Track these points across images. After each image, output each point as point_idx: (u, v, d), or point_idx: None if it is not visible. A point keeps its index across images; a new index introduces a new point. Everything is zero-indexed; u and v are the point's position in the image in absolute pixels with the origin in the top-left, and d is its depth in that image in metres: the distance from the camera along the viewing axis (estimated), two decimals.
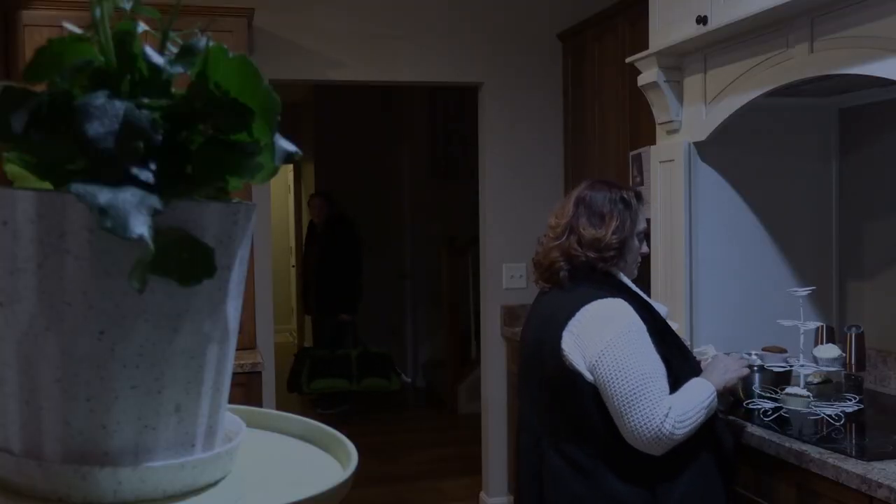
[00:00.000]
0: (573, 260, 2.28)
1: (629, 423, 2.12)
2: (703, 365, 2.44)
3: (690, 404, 2.16)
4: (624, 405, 2.12)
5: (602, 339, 2.16)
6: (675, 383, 2.20)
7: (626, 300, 2.23)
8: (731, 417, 2.53)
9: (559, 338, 2.23)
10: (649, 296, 2.44)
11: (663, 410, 2.11)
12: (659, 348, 2.21)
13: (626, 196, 2.33)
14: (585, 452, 2.21)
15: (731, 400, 2.64)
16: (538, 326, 2.35)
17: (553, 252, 2.32)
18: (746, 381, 2.69)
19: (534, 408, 2.36)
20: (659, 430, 2.10)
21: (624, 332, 2.17)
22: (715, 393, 2.23)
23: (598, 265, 2.28)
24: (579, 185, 2.42)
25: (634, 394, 2.11)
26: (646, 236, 2.41)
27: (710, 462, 2.24)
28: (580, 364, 2.19)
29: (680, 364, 2.26)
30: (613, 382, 2.13)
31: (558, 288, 2.32)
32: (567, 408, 2.24)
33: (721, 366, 2.34)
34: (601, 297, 2.23)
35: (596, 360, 2.16)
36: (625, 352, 2.14)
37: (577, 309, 2.23)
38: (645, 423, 2.10)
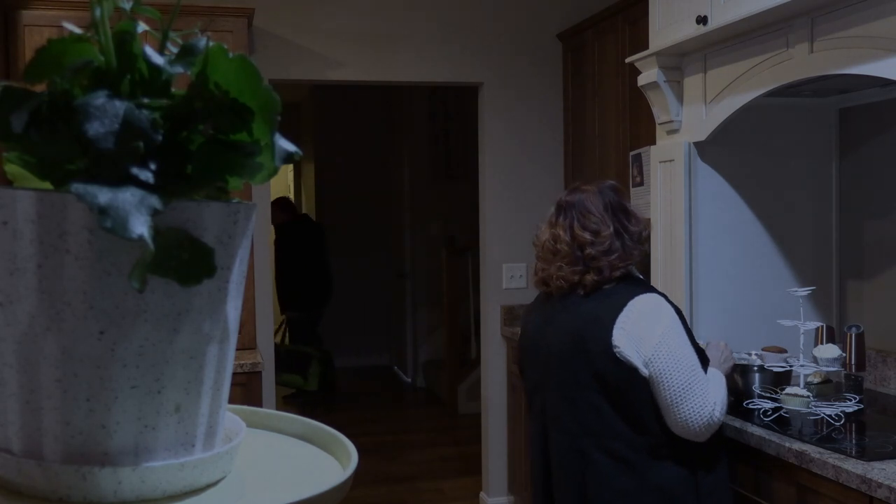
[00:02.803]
0: (634, 259, 2.38)
1: (682, 412, 2.22)
2: None
3: (722, 391, 2.31)
4: (679, 395, 2.22)
5: (655, 334, 2.25)
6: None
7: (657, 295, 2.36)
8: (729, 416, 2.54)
9: (610, 335, 2.27)
10: None
11: (712, 399, 2.24)
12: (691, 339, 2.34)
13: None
14: (633, 446, 2.27)
15: (732, 400, 2.63)
16: (574, 324, 2.34)
17: (626, 258, 2.34)
18: (746, 381, 2.70)
19: (572, 408, 2.35)
20: (711, 416, 2.23)
21: (672, 325, 2.28)
22: (725, 380, 2.39)
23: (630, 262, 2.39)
24: (590, 192, 2.40)
25: (689, 384, 2.23)
26: None
27: (724, 452, 2.39)
28: (636, 359, 2.25)
29: (700, 354, 2.36)
30: (669, 374, 2.23)
31: (594, 291, 2.34)
32: (619, 403, 2.28)
33: (718, 355, 2.48)
34: (639, 293, 2.32)
35: (651, 355, 2.24)
36: (676, 344, 2.26)
37: (623, 305, 2.29)
38: (698, 412, 2.22)
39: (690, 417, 2.22)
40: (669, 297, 2.40)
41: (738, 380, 2.68)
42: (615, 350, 2.26)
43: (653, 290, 2.38)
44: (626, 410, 2.28)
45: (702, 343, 2.60)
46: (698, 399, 2.22)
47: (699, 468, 2.29)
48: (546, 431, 2.46)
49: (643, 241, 2.40)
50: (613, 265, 2.32)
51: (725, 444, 2.40)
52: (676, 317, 2.30)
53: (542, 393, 2.47)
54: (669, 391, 2.22)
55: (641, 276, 2.44)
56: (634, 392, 2.26)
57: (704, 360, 2.35)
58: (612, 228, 2.34)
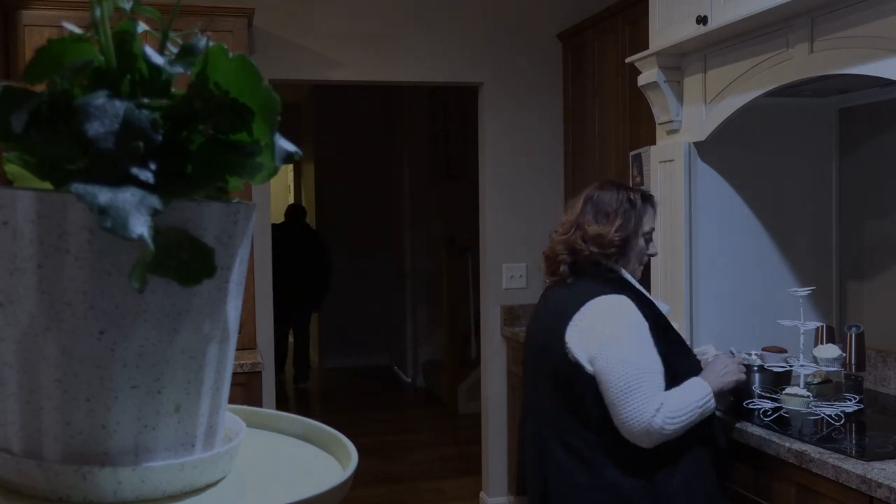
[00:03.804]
0: (577, 254, 2.36)
1: (622, 414, 2.19)
2: (703, 364, 2.44)
3: (684, 402, 2.22)
4: (618, 397, 2.19)
5: (604, 333, 2.23)
6: (672, 380, 2.26)
7: (629, 297, 2.30)
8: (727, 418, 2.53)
9: (564, 330, 2.30)
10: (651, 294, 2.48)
11: (654, 405, 2.17)
12: (659, 345, 2.27)
13: (632, 197, 2.41)
14: (587, 443, 2.27)
15: (732, 400, 2.63)
16: (546, 319, 2.42)
17: (558, 246, 2.41)
18: (747, 381, 2.69)
19: (540, 398, 2.42)
20: (649, 423, 2.16)
21: (626, 328, 2.24)
22: (711, 393, 2.28)
23: (602, 261, 2.35)
24: (592, 185, 2.50)
25: (629, 386, 2.18)
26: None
27: (705, 457, 2.30)
28: (582, 356, 2.26)
29: (679, 361, 2.31)
30: (610, 374, 2.20)
31: (563, 281, 2.40)
32: (570, 399, 2.30)
33: (720, 367, 2.39)
34: (606, 293, 2.30)
35: (596, 352, 2.23)
36: (624, 346, 2.21)
37: (583, 303, 2.30)
38: (636, 416, 2.17)
39: (629, 421, 2.18)
40: (654, 302, 2.36)
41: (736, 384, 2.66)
42: (566, 347, 2.29)
43: (623, 291, 2.31)
44: (578, 408, 2.28)
45: (706, 356, 2.57)
46: (639, 403, 2.16)
47: (657, 471, 2.24)
48: (523, 421, 2.53)
49: (603, 245, 2.33)
50: (558, 253, 2.39)
51: (706, 448, 2.30)
52: (638, 321, 2.25)
53: (525, 383, 2.54)
54: (610, 391, 2.20)
55: (628, 278, 2.38)
56: (581, 389, 2.26)
57: (676, 367, 2.27)
58: (574, 218, 2.40)
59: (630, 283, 2.37)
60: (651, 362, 2.22)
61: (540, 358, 2.43)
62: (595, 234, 2.34)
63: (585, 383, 2.25)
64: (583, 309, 2.29)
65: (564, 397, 2.32)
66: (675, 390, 2.24)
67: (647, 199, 2.45)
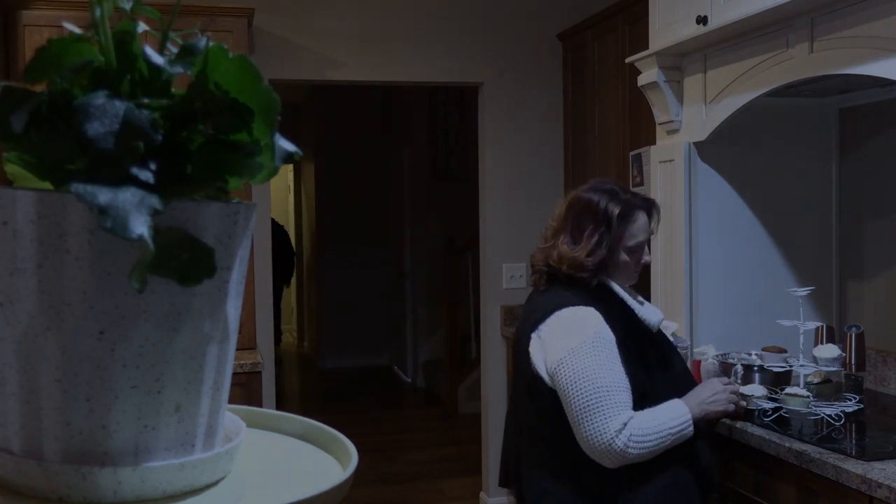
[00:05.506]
0: (552, 267, 2.29)
1: (582, 433, 2.10)
2: (702, 367, 2.42)
3: (654, 425, 2.11)
4: (578, 415, 2.10)
5: (564, 347, 2.14)
6: (641, 398, 2.15)
7: (600, 309, 2.19)
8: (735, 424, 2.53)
9: (528, 340, 2.25)
10: (647, 300, 2.42)
11: (616, 426, 2.07)
12: (628, 361, 2.16)
13: (610, 211, 2.24)
14: (553, 451, 2.23)
15: (743, 407, 2.50)
16: (521, 324, 2.37)
17: (537, 255, 2.35)
18: (747, 381, 2.69)
19: (518, 400, 2.40)
20: (610, 444, 2.07)
21: (587, 343, 2.13)
22: (689, 419, 2.16)
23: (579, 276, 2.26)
24: (581, 186, 2.38)
25: (589, 405, 2.08)
26: (647, 246, 2.34)
27: (683, 476, 2.19)
28: (542, 369, 2.20)
29: (653, 377, 2.22)
30: (570, 392, 2.11)
31: (539, 288, 2.35)
32: (537, 408, 2.26)
33: (708, 392, 2.27)
34: (573, 304, 2.20)
35: (556, 368, 2.14)
36: (584, 362, 2.11)
37: (550, 313, 2.22)
38: (597, 436, 2.07)
39: (589, 440, 2.08)
40: (636, 313, 2.23)
41: (738, 381, 2.67)
42: (529, 357, 2.23)
43: (596, 303, 2.20)
44: (543, 417, 2.23)
45: (706, 356, 2.54)
46: (599, 423, 2.06)
47: (625, 489, 2.14)
48: (509, 416, 2.51)
49: (575, 268, 2.22)
50: (535, 263, 2.34)
51: (684, 468, 2.19)
52: (602, 335, 2.14)
53: (513, 381, 2.53)
54: (570, 408, 2.11)
55: (611, 286, 2.26)
56: (541, 400, 2.21)
57: (646, 385, 2.17)
58: (556, 225, 2.32)
59: (612, 292, 2.26)
60: (614, 379, 2.11)
61: (515, 362, 2.41)
62: (568, 257, 2.23)
63: (546, 396, 2.19)
64: (548, 319, 2.21)
65: (532, 404, 2.27)
66: (647, 411, 2.12)
67: (636, 209, 2.28)
